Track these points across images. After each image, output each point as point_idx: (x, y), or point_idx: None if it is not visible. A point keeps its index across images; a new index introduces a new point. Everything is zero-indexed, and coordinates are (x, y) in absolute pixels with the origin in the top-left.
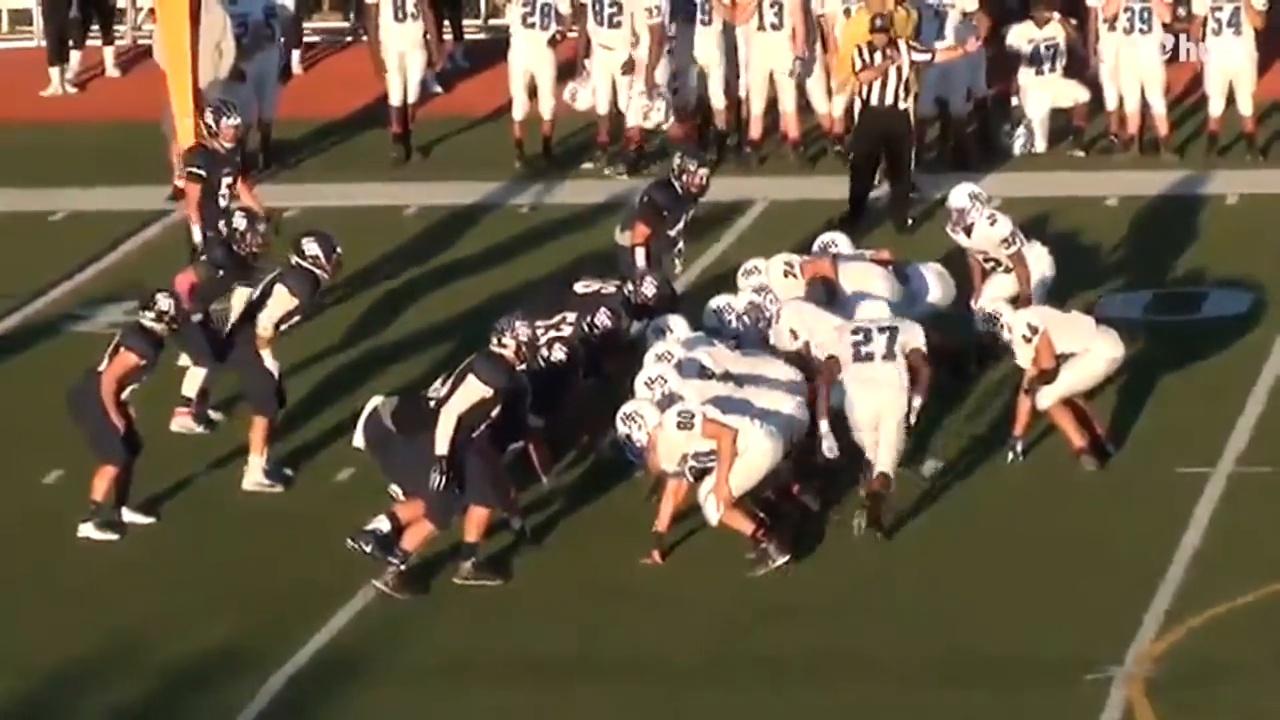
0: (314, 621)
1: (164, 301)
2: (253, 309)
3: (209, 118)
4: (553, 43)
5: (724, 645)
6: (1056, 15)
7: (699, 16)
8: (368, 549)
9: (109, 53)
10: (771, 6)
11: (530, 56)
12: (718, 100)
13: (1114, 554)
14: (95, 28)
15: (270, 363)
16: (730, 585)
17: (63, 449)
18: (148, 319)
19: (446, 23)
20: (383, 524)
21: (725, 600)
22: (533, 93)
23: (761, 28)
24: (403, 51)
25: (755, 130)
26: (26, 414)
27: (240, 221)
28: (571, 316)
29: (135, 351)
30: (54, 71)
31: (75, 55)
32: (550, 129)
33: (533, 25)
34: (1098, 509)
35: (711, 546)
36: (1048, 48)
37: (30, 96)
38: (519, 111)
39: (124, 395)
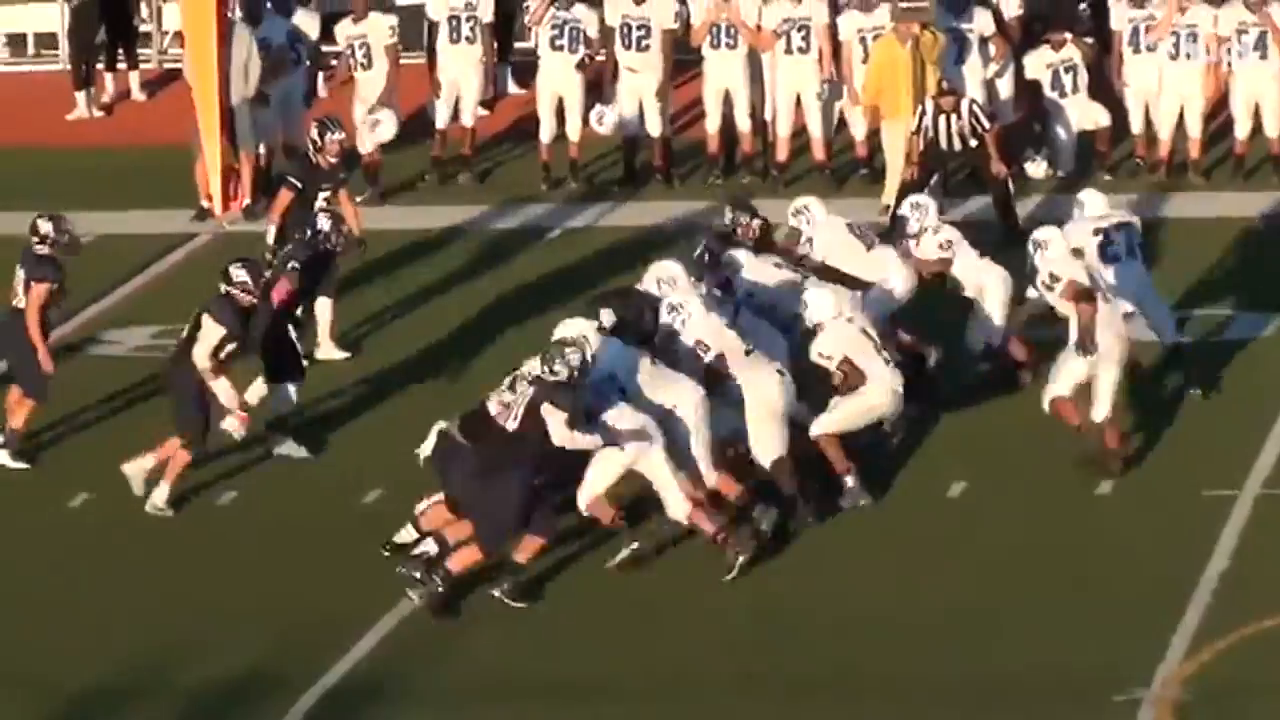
0: (343, 643)
1: (238, 272)
2: (188, 344)
3: (314, 133)
4: (581, 66)
5: (748, 663)
6: (1070, 36)
7: (725, 41)
8: (417, 575)
9: (134, 77)
10: (798, 31)
11: (558, 80)
12: (744, 124)
13: (1141, 576)
14: (120, 52)
15: (227, 392)
16: (754, 602)
17: (90, 472)
18: (229, 286)
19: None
20: (430, 547)
21: (749, 617)
22: (561, 116)
23: (789, 51)
24: (456, 78)
25: (782, 153)
26: (55, 436)
27: (324, 222)
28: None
29: (218, 320)
30: (80, 95)
31: (104, 78)
32: (578, 152)
33: (560, 48)
34: (1124, 531)
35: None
36: (1066, 69)
37: (57, 120)
38: (546, 135)
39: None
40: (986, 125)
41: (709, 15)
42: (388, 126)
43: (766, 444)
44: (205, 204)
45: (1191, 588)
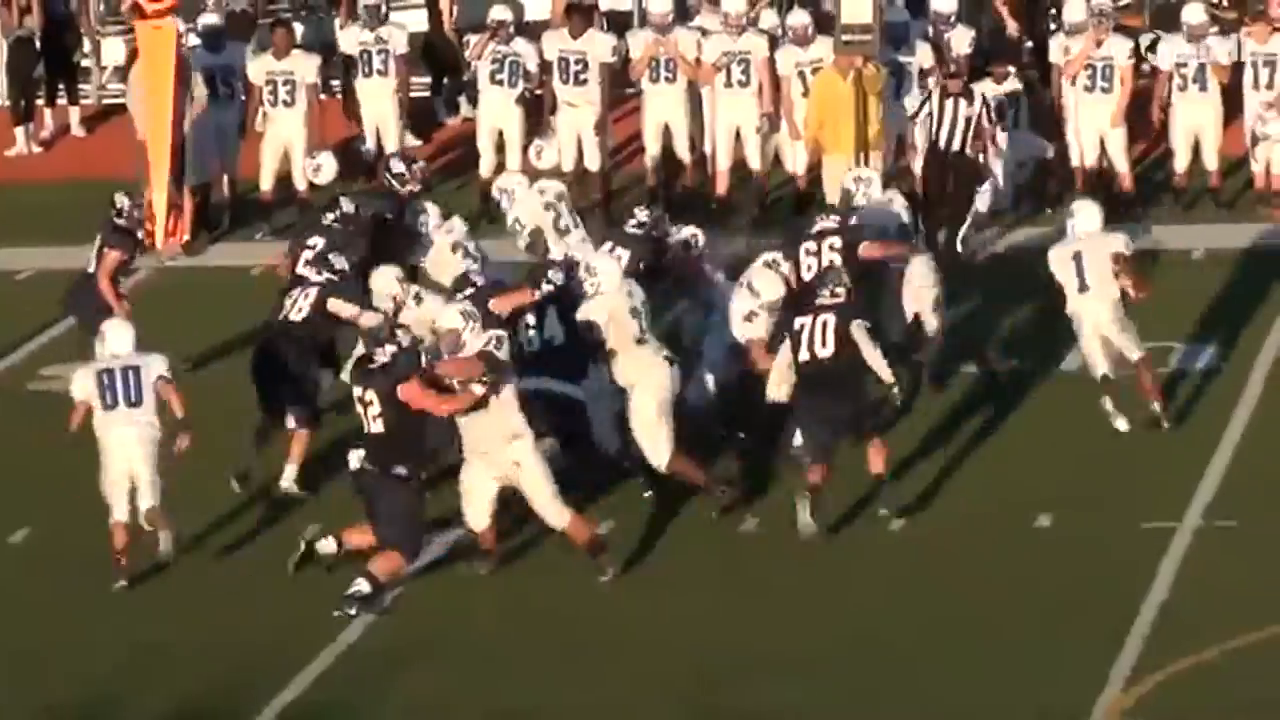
0: (282, 676)
1: (347, 204)
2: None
3: (397, 166)
4: (521, 100)
5: (690, 696)
6: (1013, 69)
7: (664, 74)
8: (353, 613)
9: (74, 112)
10: (738, 65)
11: (498, 113)
12: (683, 157)
13: (1081, 608)
14: (60, 87)
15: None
16: (695, 635)
17: (29, 509)
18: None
19: None
20: (362, 586)
21: (698, 651)
22: (501, 149)
23: (728, 85)
24: (375, 111)
25: (721, 187)
26: None
27: (398, 165)
28: None
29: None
30: (19, 131)
31: (43, 114)
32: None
33: (500, 82)
34: (1064, 563)
35: (684, 586)
36: (1009, 102)
37: None
38: (486, 168)
39: None
40: (994, 119)
41: (648, 49)
42: (328, 169)
43: (658, 442)
44: (144, 238)
45: (1131, 620)
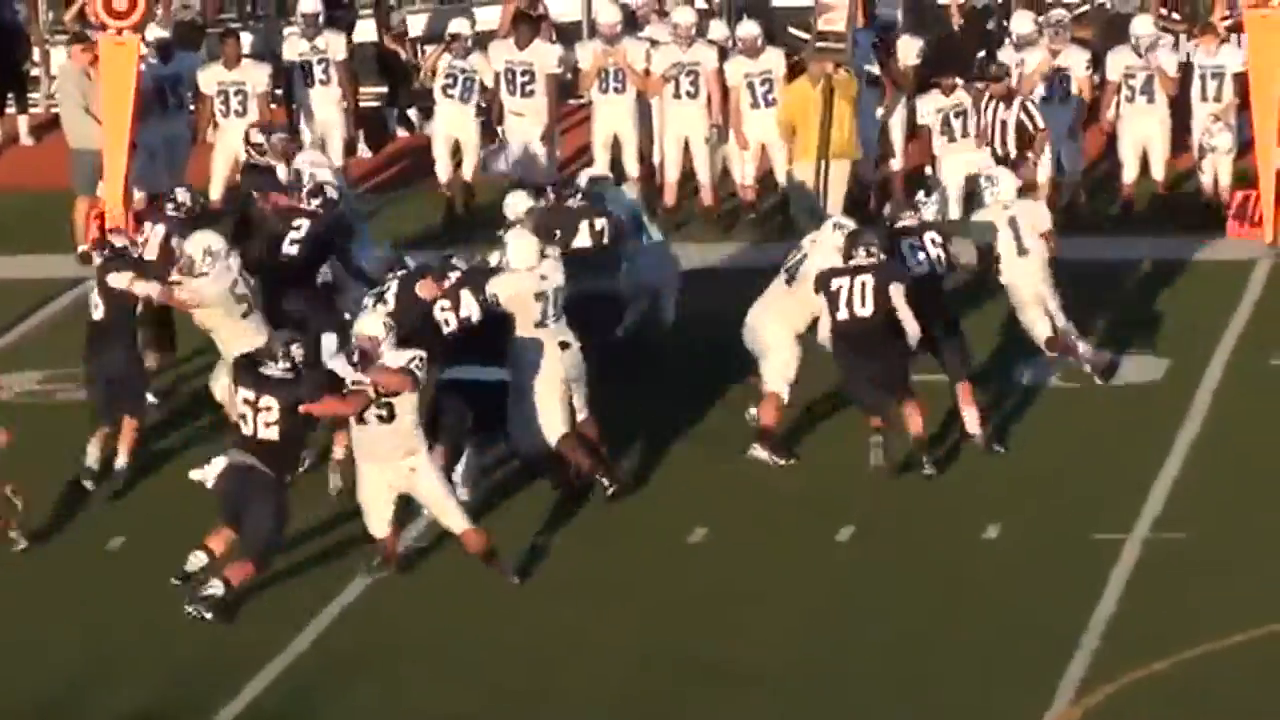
0: (233, 685)
1: (181, 193)
2: None
3: (256, 137)
4: (479, 112)
5: (637, 707)
6: (960, 82)
7: (613, 85)
8: (208, 615)
9: (23, 121)
10: (686, 76)
11: (454, 124)
12: (632, 169)
13: (1030, 619)
14: (9, 96)
15: None
16: (641, 646)
17: None
18: None
19: None
20: (218, 588)
21: (638, 660)
22: (456, 160)
23: (677, 95)
24: (319, 121)
25: (670, 198)
26: None
27: (257, 136)
28: None
29: None
30: None
31: None
32: (472, 195)
33: (453, 96)
34: (1013, 574)
35: (629, 595)
36: (956, 115)
37: None
38: (444, 174)
39: None
40: (1040, 125)
41: (597, 60)
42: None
43: (551, 421)
44: (86, 247)
45: (1079, 632)
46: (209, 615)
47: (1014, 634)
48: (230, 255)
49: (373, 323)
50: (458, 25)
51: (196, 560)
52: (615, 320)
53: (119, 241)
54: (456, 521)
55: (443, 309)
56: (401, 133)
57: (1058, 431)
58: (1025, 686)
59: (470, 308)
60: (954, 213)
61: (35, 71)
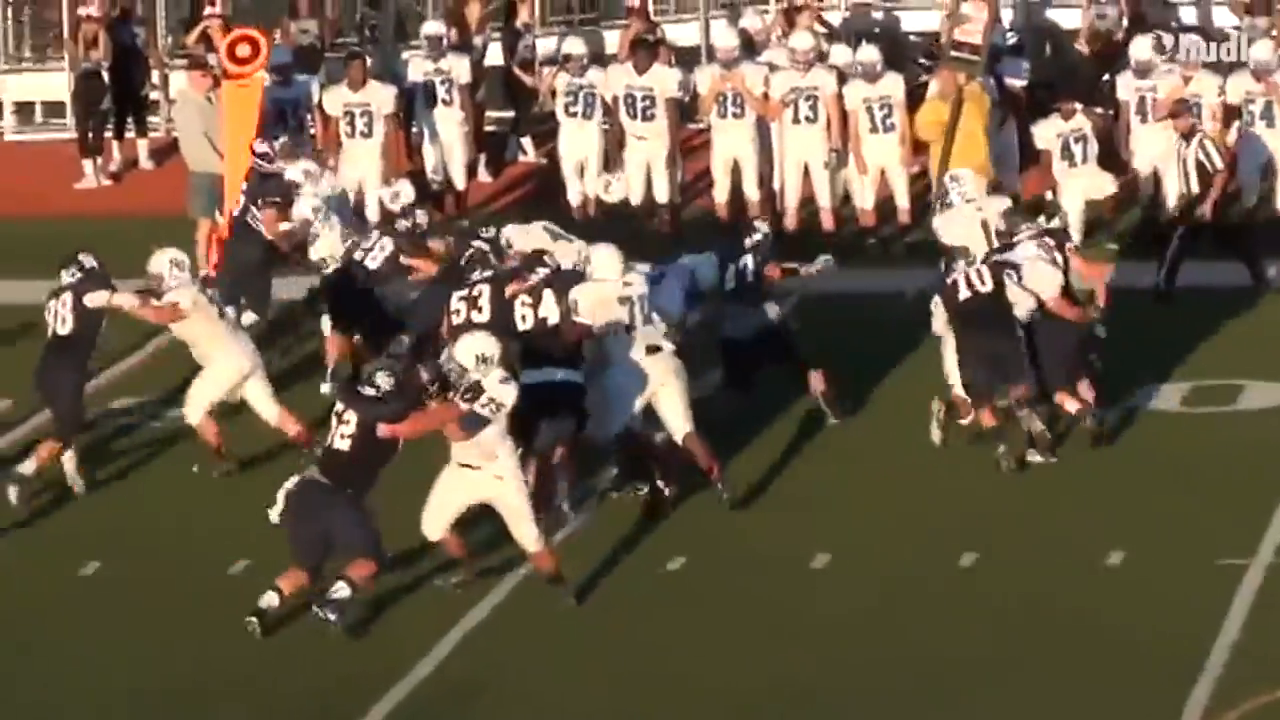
0: (343, 712)
1: None
2: None
3: (260, 148)
4: (601, 130)
5: None
6: (1080, 106)
7: (731, 110)
8: (333, 617)
9: (142, 145)
10: (805, 100)
11: (579, 144)
12: (752, 193)
13: (1152, 646)
14: (129, 119)
15: None
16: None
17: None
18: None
19: None
20: (342, 590)
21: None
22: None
23: (796, 120)
24: (440, 141)
25: (791, 222)
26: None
27: (261, 147)
28: None
29: None
30: (87, 164)
31: (112, 147)
32: (595, 211)
33: (575, 114)
34: (1135, 600)
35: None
36: (1076, 139)
37: (64, 189)
38: (575, 197)
39: None
40: (1218, 164)
41: (715, 84)
42: (406, 196)
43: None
44: (207, 272)
45: (1204, 657)
46: (333, 617)
47: (1137, 660)
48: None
49: (464, 352)
50: (571, 45)
51: (269, 599)
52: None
53: (89, 262)
54: (530, 540)
55: (523, 304)
56: (523, 157)
57: (1179, 456)
58: (1151, 713)
59: (550, 310)
60: (1075, 239)
61: (154, 95)
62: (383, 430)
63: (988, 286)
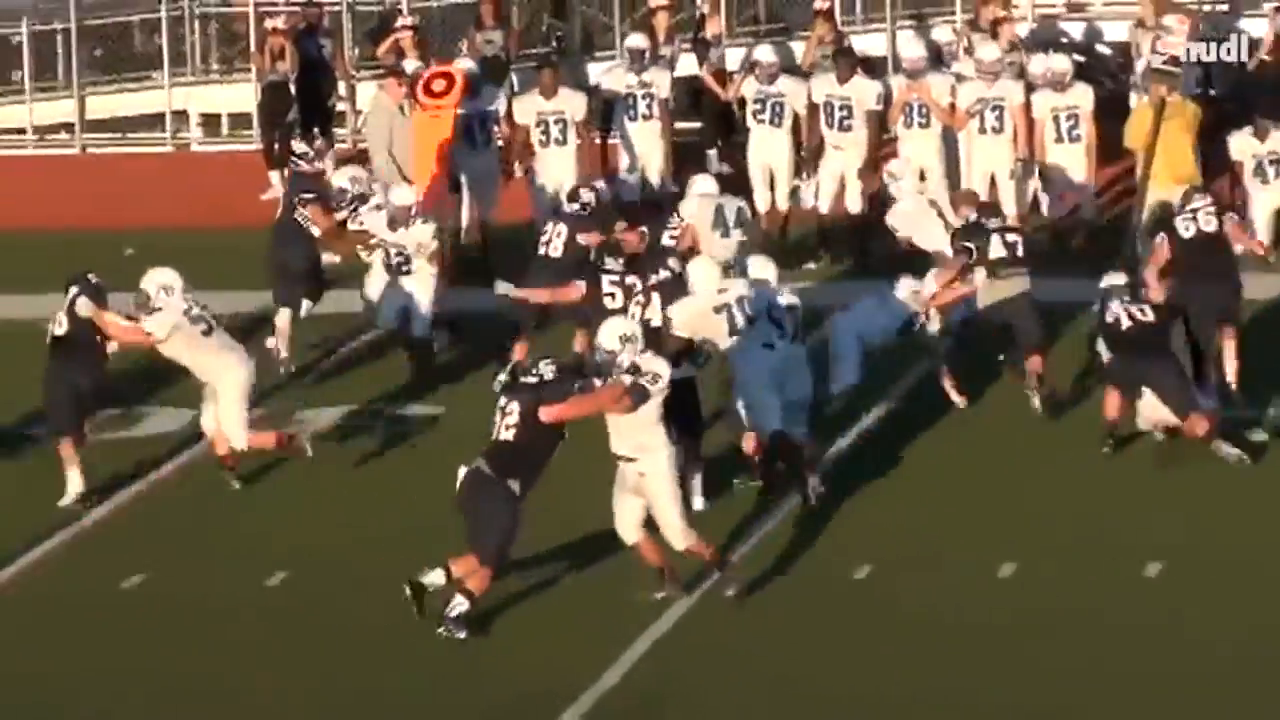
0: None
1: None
2: None
3: (300, 148)
4: (791, 138)
5: None
6: (1272, 125)
7: (917, 120)
8: (462, 635)
9: (329, 156)
10: (992, 110)
11: (767, 151)
12: (942, 199)
13: (1257, 659)
14: (315, 130)
15: None
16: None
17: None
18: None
19: None
20: (462, 604)
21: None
22: (772, 188)
23: (983, 130)
24: (640, 154)
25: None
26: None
27: (300, 147)
28: None
29: None
30: (274, 175)
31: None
32: (785, 221)
33: (763, 121)
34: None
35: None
36: (1272, 161)
37: (251, 200)
38: (762, 204)
39: None
40: None
41: (900, 94)
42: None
43: (766, 414)
44: None
45: None
46: (462, 634)
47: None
48: (183, 291)
49: (609, 336)
50: (760, 53)
51: (434, 577)
52: None
53: (92, 279)
54: (676, 534)
55: (638, 302)
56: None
57: (1223, 469)
58: None
59: (655, 314)
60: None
61: (341, 106)
62: (545, 413)
63: (1149, 316)
